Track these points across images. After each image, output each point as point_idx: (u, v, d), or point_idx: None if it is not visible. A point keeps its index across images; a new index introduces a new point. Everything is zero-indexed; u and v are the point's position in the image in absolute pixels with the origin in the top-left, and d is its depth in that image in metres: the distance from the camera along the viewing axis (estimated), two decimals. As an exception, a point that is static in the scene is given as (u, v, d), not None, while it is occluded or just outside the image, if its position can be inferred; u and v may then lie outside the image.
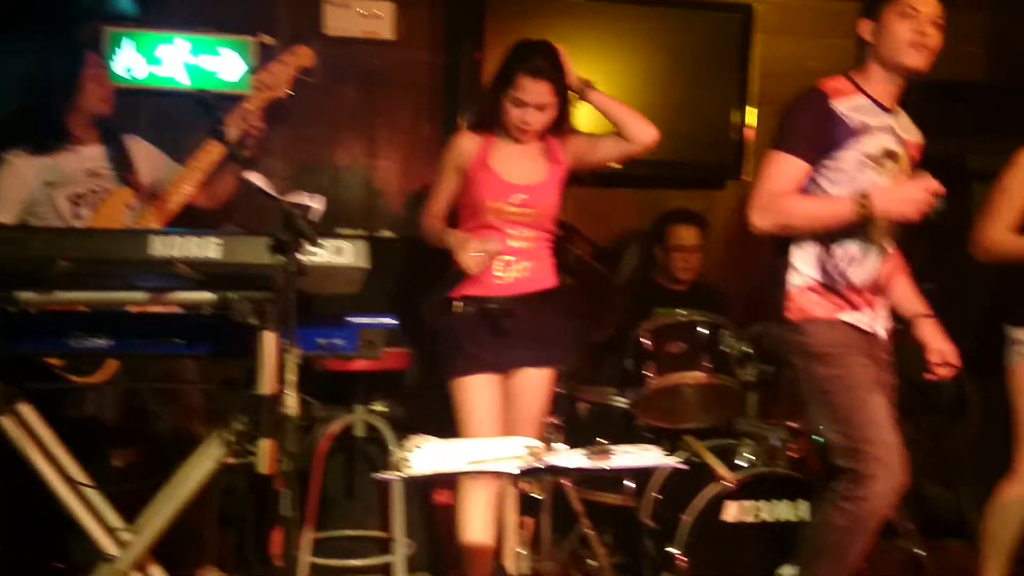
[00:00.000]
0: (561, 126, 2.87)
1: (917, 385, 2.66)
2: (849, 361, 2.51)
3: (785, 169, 2.51)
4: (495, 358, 2.80)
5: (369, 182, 3.96)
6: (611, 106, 2.92)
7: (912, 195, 2.39)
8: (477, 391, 2.79)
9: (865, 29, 2.58)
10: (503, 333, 2.78)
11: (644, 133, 2.88)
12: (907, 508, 3.52)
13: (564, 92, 2.83)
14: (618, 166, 3.07)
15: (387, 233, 3.70)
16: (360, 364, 2.95)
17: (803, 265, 2.58)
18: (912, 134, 2.66)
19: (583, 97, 2.90)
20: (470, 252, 2.70)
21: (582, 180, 3.02)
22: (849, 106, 2.53)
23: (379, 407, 3.29)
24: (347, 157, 3.95)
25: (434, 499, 3.35)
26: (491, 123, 2.85)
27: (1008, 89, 3.20)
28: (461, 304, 2.81)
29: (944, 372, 2.64)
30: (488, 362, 2.79)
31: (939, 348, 2.64)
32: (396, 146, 3.97)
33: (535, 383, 2.87)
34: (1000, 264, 2.92)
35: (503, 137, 2.87)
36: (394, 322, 2.28)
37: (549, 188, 2.89)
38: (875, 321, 2.61)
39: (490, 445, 1.97)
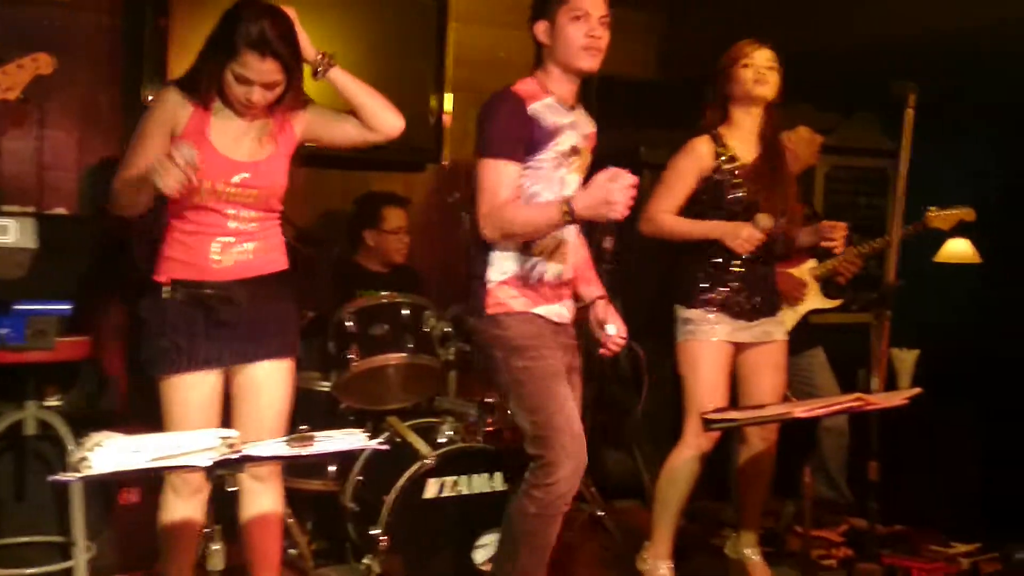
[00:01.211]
0: (291, 100, 2.54)
1: (597, 358, 2.85)
2: (542, 354, 2.61)
3: (501, 175, 2.55)
4: (211, 353, 2.50)
5: (39, 155, 3.60)
6: (355, 88, 2.62)
7: (610, 196, 2.37)
8: (187, 392, 2.49)
9: (539, 30, 2.64)
10: (221, 324, 2.48)
11: (390, 123, 2.63)
12: (589, 473, 3.80)
13: (296, 66, 2.49)
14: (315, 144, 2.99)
15: (60, 210, 3.40)
16: (31, 355, 2.70)
17: (501, 261, 2.64)
18: (589, 127, 2.80)
19: (322, 75, 2.61)
20: (170, 171, 2.24)
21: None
22: (541, 107, 2.60)
23: (54, 402, 3.02)
24: (12, 127, 3.56)
25: (120, 497, 3.13)
26: (208, 90, 2.47)
27: (676, 85, 3.54)
28: (170, 290, 2.49)
29: (616, 348, 2.82)
30: (202, 358, 2.49)
31: (612, 326, 2.81)
32: (70, 116, 3.64)
33: (271, 377, 2.58)
34: (660, 240, 3.18)
35: (222, 106, 2.51)
36: (69, 308, 2.10)
37: (275, 165, 2.58)
38: (565, 311, 2.76)
39: (180, 438, 1.87)
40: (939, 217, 3.69)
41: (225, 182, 2.49)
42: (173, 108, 2.48)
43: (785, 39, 3.15)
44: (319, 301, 3.59)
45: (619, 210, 2.38)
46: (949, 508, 3.93)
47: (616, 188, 2.36)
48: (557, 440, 2.58)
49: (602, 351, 2.82)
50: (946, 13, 3.73)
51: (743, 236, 3.04)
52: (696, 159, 3.15)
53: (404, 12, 4.15)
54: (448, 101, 4.24)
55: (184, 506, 2.56)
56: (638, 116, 4.56)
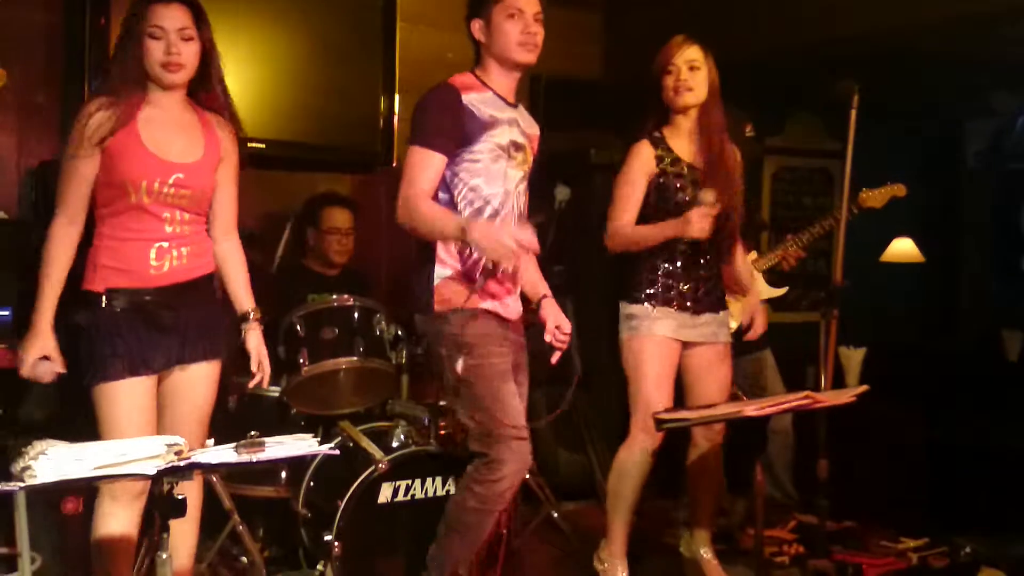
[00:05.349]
0: (208, 87, 2.59)
1: (546, 358, 2.86)
2: (488, 351, 2.64)
3: (424, 164, 2.61)
4: (149, 359, 2.49)
5: (-24, 157, 3.51)
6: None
7: (506, 242, 2.42)
8: (127, 398, 2.47)
9: (475, 28, 2.74)
10: (161, 329, 2.49)
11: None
12: (543, 474, 3.80)
13: (207, 37, 2.53)
14: (261, 146, 2.97)
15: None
16: (-32, 363, 2.63)
17: (447, 257, 2.67)
18: (532, 128, 2.86)
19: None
20: None
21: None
22: (477, 100, 2.67)
23: (-7, 411, 2.94)
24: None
25: (63, 506, 3.05)
26: (131, 84, 2.47)
27: (624, 87, 3.55)
28: (107, 299, 2.47)
29: (561, 345, 2.86)
30: (140, 364, 2.48)
31: (557, 324, 2.85)
32: (8, 118, 3.55)
33: (200, 379, 2.61)
34: (625, 250, 3.18)
35: (150, 105, 2.51)
36: (7, 315, 2.04)
37: (206, 167, 2.59)
38: (511, 307, 2.78)
39: (124, 446, 1.82)
40: (872, 196, 3.79)
41: (161, 182, 2.48)
42: (99, 120, 2.44)
43: (727, 38, 3.18)
44: (267, 305, 3.54)
45: (506, 261, 2.44)
46: (897, 503, 3.99)
47: (513, 242, 2.40)
48: (501, 439, 2.62)
49: (552, 350, 2.83)
50: (888, 12, 3.80)
51: (693, 219, 3.02)
52: (642, 162, 3.16)
53: (352, 13, 4.11)
54: (398, 103, 4.21)
55: (122, 513, 2.53)
56: (587, 118, 4.57)
